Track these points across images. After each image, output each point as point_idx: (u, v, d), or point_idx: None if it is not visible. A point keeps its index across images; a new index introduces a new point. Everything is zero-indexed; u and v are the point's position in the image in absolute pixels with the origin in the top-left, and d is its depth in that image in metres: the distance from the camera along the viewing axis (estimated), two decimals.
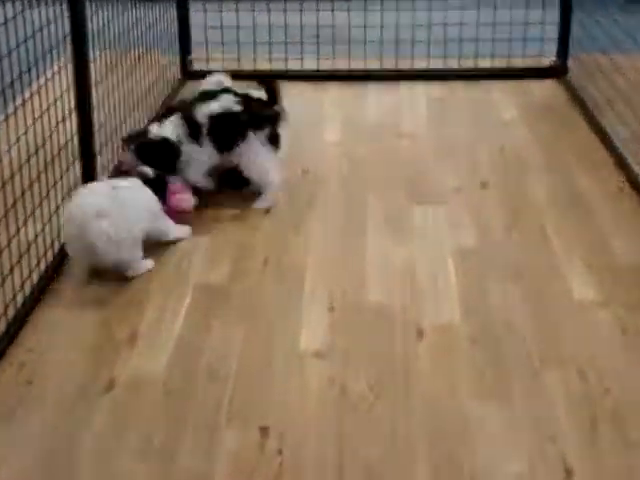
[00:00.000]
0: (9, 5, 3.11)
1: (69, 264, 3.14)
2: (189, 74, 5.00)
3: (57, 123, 3.20)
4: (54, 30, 3.15)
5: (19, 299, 2.86)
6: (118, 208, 3.00)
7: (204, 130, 3.52)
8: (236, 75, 4.84)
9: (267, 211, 3.58)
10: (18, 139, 2.88)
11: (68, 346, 2.77)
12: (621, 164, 3.86)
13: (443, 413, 2.47)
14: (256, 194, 3.62)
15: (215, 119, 3.52)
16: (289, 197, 3.71)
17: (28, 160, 2.95)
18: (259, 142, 3.55)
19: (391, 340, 2.79)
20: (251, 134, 3.54)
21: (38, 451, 2.37)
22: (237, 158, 3.59)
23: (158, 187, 3.26)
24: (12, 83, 2.78)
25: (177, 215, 3.38)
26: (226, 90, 3.71)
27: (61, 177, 3.26)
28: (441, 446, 2.36)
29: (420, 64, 5.05)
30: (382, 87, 4.94)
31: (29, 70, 2.91)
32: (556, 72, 4.97)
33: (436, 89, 4.91)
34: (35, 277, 2.99)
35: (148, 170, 3.30)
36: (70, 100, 3.33)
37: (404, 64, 5.05)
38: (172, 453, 2.36)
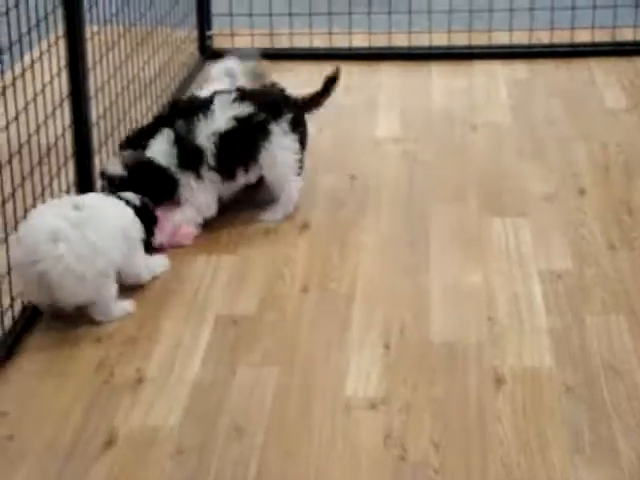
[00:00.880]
0: None
1: None
2: (209, 53, 5.05)
3: (45, 115, 3.25)
4: None
5: None
6: (79, 231, 2.92)
7: (206, 157, 3.47)
8: (267, 55, 4.89)
9: (305, 225, 3.60)
10: None
11: (57, 392, 2.80)
12: None
13: None
14: (267, 200, 3.63)
15: (222, 139, 3.47)
16: (333, 208, 3.72)
17: (10, 161, 3.00)
18: (281, 131, 3.56)
19: (462, 388, 2.78)
20: (272, 128, 3.54)
21: None
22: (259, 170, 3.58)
23: (145, 218, 3.25)
24: None
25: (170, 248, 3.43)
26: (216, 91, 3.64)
27: (50, 183, 3.31)
28: None
29: (499, 39, 5.06)
30: (450, 68, 4.95)
31: (10, 49, 2.96)
32: None
33: (519, 70, 4.90)
34: (16, 308, 3.03)
35: (131, 196, 3.27)
36: (62, 86, 3.38)
37: (478, 39, 5.06)
38: None
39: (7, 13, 2.95)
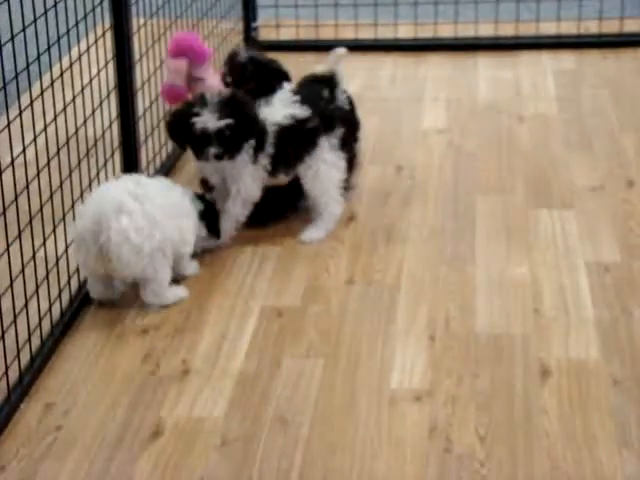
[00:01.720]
0: None
1: None
2: (255, 45, 5.05)
3: (93, 108, 3.28)
4: None
5: (45, 325, 2.93)
6: (140, 204, 2.99)
7: (268, 144, 3.40)
8: (312, 47, 4.90)
9: (351, 217, 3.60)
10: (44, 129, 2.95)
11: (104, 383, 2.82)
12: None
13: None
14: (308, 217, 3.53)
15: (282, 132, 3.40)
16: (379, 200, 3.72)
17: (58, 153, 3.02)
18: (329, 146, 3.48)
19: (508, 380, 2.76)
20: (321, 140, 3.46)
21: None
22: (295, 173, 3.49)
23: (209, 220, 3.29)
24: (38, 58, 2.85)
25: None
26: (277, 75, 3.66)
27: (97, 174, 3.34)
28: None
29: (546, 29, 5.02)
30: (497, 59, 4.92)
31: (58, 42, 2.98)
32: None
33: (567, 61, 4.86)
34: (65, 298, 3.06)
35: (197, 202, 3.28)
36: (109, 79, 3.40)
37: (525, 29, 5.03)
38: None
39: (55, 6, 2.97)
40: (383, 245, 3.43)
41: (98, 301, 3.14)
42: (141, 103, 3.60)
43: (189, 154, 3.51)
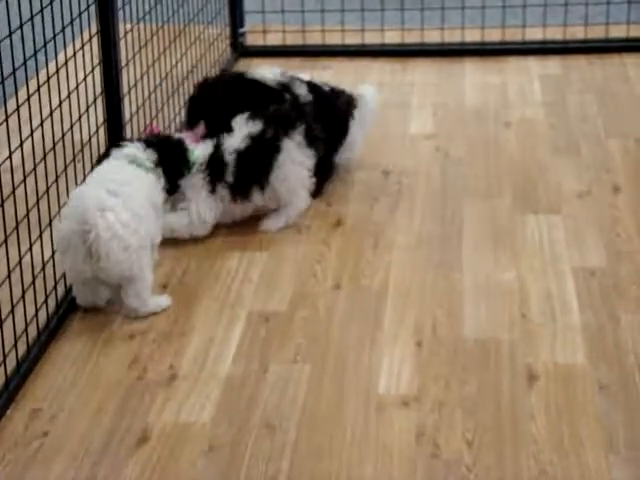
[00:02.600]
0: None
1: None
2: (242, 51, 5.06)
3: (79, 113, 3.27)
4: None
5: (32, 331, 2.92)
6: (121, 200, 2.99)
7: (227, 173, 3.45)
8: (299, 52, 4.91)
9: (338, 222, 3.60)
10: (31, 134, 2.94)
11: (91, 389, 2.81)
12: None
13: None
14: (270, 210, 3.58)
15: (242, 155, 3.45)
16: (366, 205, 3.72)
17: (44, 158, 3.01)
18: (295, 145, 3.50)
19: (495, 385, 2.77)
20: (285, 143, 3.48)
21: None
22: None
23: (168, 165, 3.25)
24: (24, 63, 2.84)
25: None
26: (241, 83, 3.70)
27: (84, 179, 3.32)
28: None
29: (533, 35, 5.03)
30: (484, 65, 4.93)
31: (44, 47, 2.98)
32: None
33: (553, 66, 4.88)
34: (51, 304, 3.05)
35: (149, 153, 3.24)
36: (95, 84, 3.39)
37: (512, 35, 5.04)
38: None
39: (42, 11, 2.96)
40: (370, 250, 3.43)
41: (84, 307, 3.13)
42: (128, 108, 3.59)
43: None
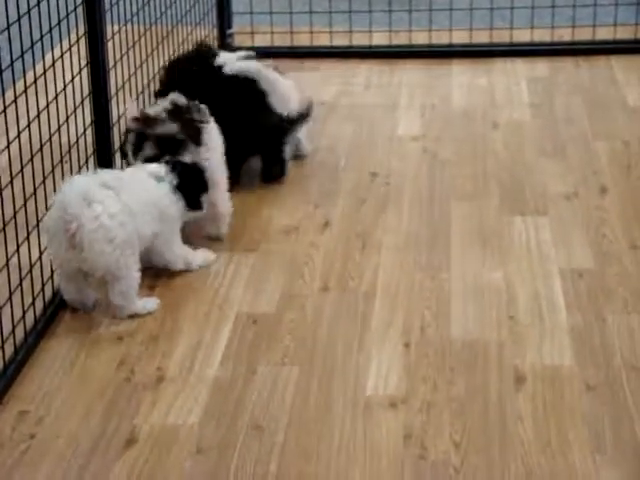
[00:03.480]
0: None
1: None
2: (230, 51, 5.04)
3: (67, 114, 3.26)
4: None
5: (19, 333, 2.92)
6: (112, 192, 2.99)
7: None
8: (287, 53, 4.90)
9: (326, 224, 3.60)
10: (18, 135, 2.93)
11: (78, 391, 2.81)
12: None
13: None
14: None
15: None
16: (354, 206, 3.72)
17: (31, 160, 3.00)
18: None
19: (483, 387, 2.77)
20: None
21: None
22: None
23: (188, 188, 3.24)
24: (11, 64, 2.84)
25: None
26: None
27: None
28: None
29: (520, 37, 5.04)
30: (471, 66, 4.94)
31: (32, 48, 2.97)
32: None
33: (540, 68, 4.88)
34: (39, 306, 3.05)
35: (161, 169, 3.22)
36: (83, 85, 3.39)
37: (499, 36, 5.05)
38: None
39: (29, 12, 2.96)
40: (358, 252, 3.43)
41: (72, 308, 3.12)
42: (115, 109, 3.59)
43: None
